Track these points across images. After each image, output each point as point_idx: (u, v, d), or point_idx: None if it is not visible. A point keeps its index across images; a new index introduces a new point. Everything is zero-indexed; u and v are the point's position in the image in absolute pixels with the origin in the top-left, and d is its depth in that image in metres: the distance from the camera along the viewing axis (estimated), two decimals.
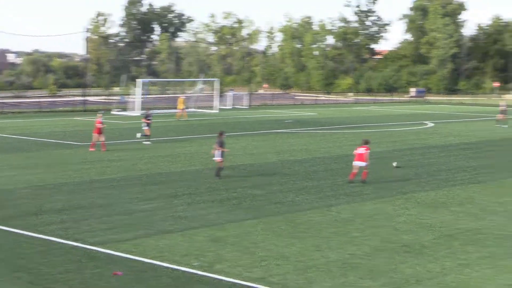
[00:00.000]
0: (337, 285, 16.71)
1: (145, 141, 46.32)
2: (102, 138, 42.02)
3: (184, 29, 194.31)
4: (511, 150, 44.74)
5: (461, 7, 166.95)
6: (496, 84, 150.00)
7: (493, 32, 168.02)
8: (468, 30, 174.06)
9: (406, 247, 20.19)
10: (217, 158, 31.95)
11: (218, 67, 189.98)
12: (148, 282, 16.76)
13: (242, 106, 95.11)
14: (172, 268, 17.90)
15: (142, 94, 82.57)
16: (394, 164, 37.33)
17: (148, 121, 46.83)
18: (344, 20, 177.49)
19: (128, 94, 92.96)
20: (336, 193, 28.86)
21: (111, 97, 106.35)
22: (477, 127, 64.02)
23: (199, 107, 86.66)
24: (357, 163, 31.05)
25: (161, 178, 32.29)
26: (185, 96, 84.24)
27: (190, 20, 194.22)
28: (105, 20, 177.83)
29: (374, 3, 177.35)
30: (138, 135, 47.65)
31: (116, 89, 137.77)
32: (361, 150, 31.04)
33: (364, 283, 16.83)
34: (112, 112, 76.77)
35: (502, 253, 19.69)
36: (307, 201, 27.03)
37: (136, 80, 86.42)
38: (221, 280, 17.02)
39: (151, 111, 50.02)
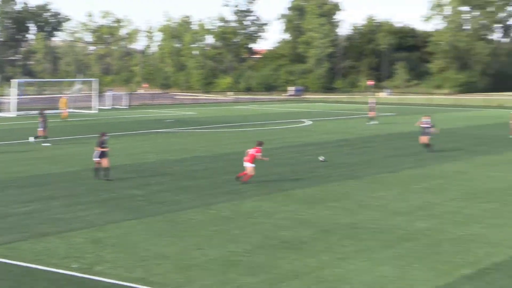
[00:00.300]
0: (218, 282, 16.80)
1: (43, 142, 45.27)
2: None
3: (61, 28, 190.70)
4: (384, 146, 45.95)
5: (336, 8, 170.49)
6: (371, 82, 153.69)
7: (367, 32, 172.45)
8: (344, 30, 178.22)
9: (285, 243, 20.46)
10: (96, 159, 31.43)
11: (96, 67, 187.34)
12: (26, 286, 16.39)
13: (122, 106, 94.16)
14: (50, 271, 17.56)
15: (18, 95, 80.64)
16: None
17: (43, 120, 45.95)
18: (223, 19, 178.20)
19: (3, 95, 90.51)
20: (216, 191, 28.96)
21: None
22: (352, 124, 65.48)
23: (77, 108, 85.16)
24: (245, 164, 31.01)
25: (39, 180, 31.59)
26: (67, 96, 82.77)
27: (67, 19, 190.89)
28: None
29: (252, 3, 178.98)
30: (31, 139, 46.43)
31: None
32: (252, 151, 31.01)
33: (244, 280, 16.99)
34: None
35: (377, 246, 20.22)
36: (187, 200, 27.01)
37: (11, 80, 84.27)
38: (101, 281, 16.83)
39: (45, 111, 48.85)
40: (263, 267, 18.09)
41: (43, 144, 44.93)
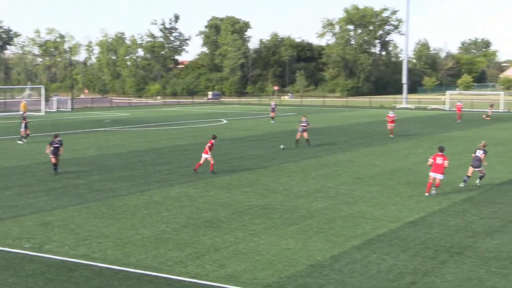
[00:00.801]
0: (151, 256, 16.60)
1: (19, 140, 44.83)
2: None
3: (12, 42, 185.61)
4: (287, 141, 46.24)
5: (246, 26, 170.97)
6: (276, 87, 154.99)
7: (272, 46, 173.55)
8: (253, 44, 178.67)
9: (207, 223, 20.38)
10: (51, 156, 30.28)
11: (43, 75, 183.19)
12: None
13: (66, 109, 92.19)
14: (5, 251, 17.05)
15: None
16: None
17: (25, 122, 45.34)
18: (152, 35, 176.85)
19: None
20: (148, 180, 28.63)
21: None
22: (261, 122, 65.72)
23: (27, 111, 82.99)
24: (204, 155, 30.60)
25: None
26: (26, 100, 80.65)
27: (17, 35, 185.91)
28: None
29: (176, 21, 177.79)
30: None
31: None
32: (209, 144, 30.53)
33: (173, 254, 16.84)
34: None
35: (283, 224, 20.33)
36: (123, 188, 26.62)
37: None
38: (51, 258, 16.43)
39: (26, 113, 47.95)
40: (188, 243, 17.96)
41: (18, 141, 44.56)
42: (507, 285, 14.47)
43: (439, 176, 24.86)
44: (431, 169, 25.08)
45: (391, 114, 49.18)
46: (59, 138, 30.62)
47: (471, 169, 26.54)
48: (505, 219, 20.90)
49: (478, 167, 26.28)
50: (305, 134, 42.52)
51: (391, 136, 46.63)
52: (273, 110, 67.50)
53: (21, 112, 68.03)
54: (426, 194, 25.02)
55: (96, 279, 14.80)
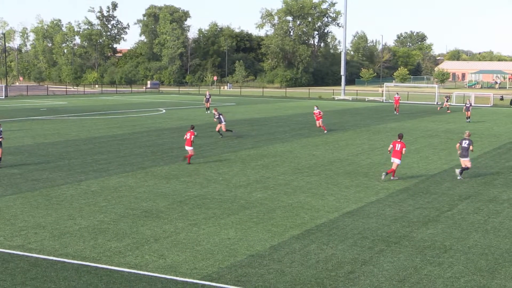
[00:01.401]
0: (89, 247, 16.35)
1: None
2: None
3: None
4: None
5: (186, 15, 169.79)
6: (215, 78, 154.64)
7: (211, 36, 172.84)
8: (192, 33, 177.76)
9: (146, 213, 20.20)
10: None
11: None
12: None
13: (0, 97, 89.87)
14: None
15: None
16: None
17: None
18: (89, 23, 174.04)
19: None
20: (86, 169, 28.19)
21: None
22: (200, 113, 65.41)
23: None
24: (186, 147, 30.32)
25: None
26: None
27: None
28: None
29: (114, 9, 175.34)
30: None
31: None
32: (188, 135, 30.18)
33: (111, 244, 16.62)
34: None
35: (222, 213, 20.31)
36: (60, 177, 26.13)
37: None
38: None
39: None
40: (127, 233, 17.77)
41: None
42: (441, 273, 14.82)
43: (396, 161, 26.46)
44: (391, 155, 26.77)
45: (316, 110, 46.99)
46: (0, 128, 29.36)
47: (461, 160, 27.08)
48: (439, 209, 21.38)
49: (466, 156, 26.86)
50: (223, 126, 42.17)
51: (325, 132, 45.88)
52: (207, 100, 67.10)
53: None
54: (392, 178, 26.79)
55: (32, 270, 14.49)
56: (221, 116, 42.10)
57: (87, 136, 41.18)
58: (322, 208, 21.24)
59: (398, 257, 15.99)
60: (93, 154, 33.11)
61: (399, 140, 26.74)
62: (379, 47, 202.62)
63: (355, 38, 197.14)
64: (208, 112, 63.96)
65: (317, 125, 46.54)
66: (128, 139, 40.11)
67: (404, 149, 26.48)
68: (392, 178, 26.86)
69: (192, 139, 30.36)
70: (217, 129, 42.22)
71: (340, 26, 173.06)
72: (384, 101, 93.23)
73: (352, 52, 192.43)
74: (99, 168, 28.69)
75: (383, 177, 26.46)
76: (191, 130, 30.75)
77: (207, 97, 67.57)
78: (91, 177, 26.30)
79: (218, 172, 28.08)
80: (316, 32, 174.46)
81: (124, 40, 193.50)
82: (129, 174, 27.30)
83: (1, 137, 29.05)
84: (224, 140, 40.28)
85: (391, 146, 26.87)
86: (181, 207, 21.07)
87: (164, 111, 66.96)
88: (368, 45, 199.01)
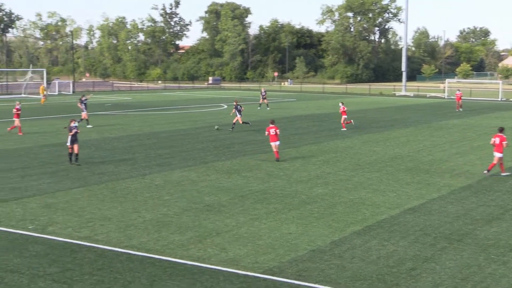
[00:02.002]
0: (152, 239, 16.60)
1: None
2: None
3: (14, 26, 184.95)
4: (287, 126, 46.09)
5: (247, 12, 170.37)
6: (276, 74, 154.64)
7: (272, 32, 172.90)
8: (253, 30, 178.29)
9: (208, 207, 20.36)
10: (68, 144, 28.00)
11: (45, 59, 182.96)
12: None
13: (67, 92, 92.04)
14: (9, 232, 17.04)
15: None
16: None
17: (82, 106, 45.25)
18: (153, 20, 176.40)
19: None
20: (149, 164, 28.60)
21: None
22: (261, 108, 65.52)
23: (29, 94, 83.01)
24: (272, 143, 30.22)
25: None
26: (45, 84, 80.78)
27: (18, 18, 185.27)
28: None
29: (177, 6, 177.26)
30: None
31: None
32: (272, 131, 29.96)
33: (174, 237, 16.83)
34: None
35: (283, 208, 20.31)
36: (125, 171, 26.58)
37: None
38: (54, 239, 16.42)
39: (84, 97, 46.88)
40: (190, 226, 17.95)
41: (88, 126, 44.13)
42: (506, 272, 14.48)
43: (497, 155, 26.25)
44: (494, 149, 26.56)
45: (341, 107, 44.96)
46: (75, 124, 28.39)
47: (496, 156, 26.56)
48: (503, 207, 20.89)
49: (501, 152, 26.38)
50: (240, 118, 42.98)
51: (343, 129, 43.80)
52: (263, 97, 65.75)
53: (40, 96, 68.07)
54: (503, 174, 26.51)
55: (99, 261, 14.80)
56: (239, 109, 43.04)
57: (150, 131, 41.78)
58: (383, 204, 21.02)
59: (461, 255, 15.69)
60: (157, 148, 33.57)
61: (499, 133, 26.50)
62: (441, 42, 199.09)
63: (417, 34, 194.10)
64: (260, 108, 63.62)
65: (342, 120, 44.96)
66: (190, 134, 40.52)
67: (504, 142, 26.15)
68: (502, 174, 26.42)
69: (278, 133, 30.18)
70: (234, 121, 43.16)
71: (401, 22, 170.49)
72: (446, 97, 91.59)
73: (413, 48, 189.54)
74: (162, 162, 29.07)
75: (486, 172, 26.50)
76: (273, 125, 30.35)
77: (262, 93, 66.59)
78: (154, 171, 26.67)
79: (279, 167, 28.09)
80: (377, 28, 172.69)
81: (186, 36, 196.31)
82: (192, 168, 27.57)
83: (76, 131, 28.14)
84: (285, 135, 40.27)
85: (493, 139, 26.57)
86: (242, 202, 21.16)
87: (225, 106, 67.37)
88: (430, 41, 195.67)
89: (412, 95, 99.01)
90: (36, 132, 40.06)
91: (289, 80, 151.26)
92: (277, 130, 30.03)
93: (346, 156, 31.92)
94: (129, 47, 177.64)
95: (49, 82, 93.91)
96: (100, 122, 47.59)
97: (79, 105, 46.40)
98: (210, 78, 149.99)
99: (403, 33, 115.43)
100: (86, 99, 46.08)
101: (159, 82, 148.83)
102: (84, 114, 45.00)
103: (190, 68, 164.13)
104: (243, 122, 43.13)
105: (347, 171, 27.49)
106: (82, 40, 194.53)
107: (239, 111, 43.06)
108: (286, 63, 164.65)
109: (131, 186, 23.44)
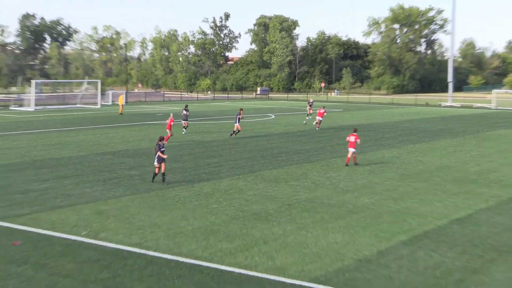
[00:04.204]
0: (201, 247, 16.52)
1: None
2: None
3: (71, 39, 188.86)
4: (334, 136, 45.82)
5: (294, 24, 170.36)
6: (323, 84, 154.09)
7: (319, 44, 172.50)
8: (300, 42, 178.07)
9: (256, 215, 20.22)
10: (156, 164, 25.74)
11: (100, 70, 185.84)
12: (43, 250, 16.03)
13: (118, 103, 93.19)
14: (63, 238, 17.19)
15: (36, 93, 79.70)
16: (304, 122, 39.80)
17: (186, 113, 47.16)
18: (203, 33, 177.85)
19: (24, 93, 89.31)
20: (198, 172, 28.62)
21: (9, 95, 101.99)
22: (305, 119, 65.09)
23: (85, 104, 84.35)
24: (350, 149, 31.02)
25: (53, 162, 31.03)
26: (123, 93, 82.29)
27: (76, 31, 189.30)
28: (2, 30, 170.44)
29: (226, 19, 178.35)
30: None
31: (13, 89, 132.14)
32: (351, 138, 30.84)
33: (222, 245, 16.73)
34: (11, 108, 73.50)
35: (330, 218, 20.05)
36: (174, 179, 26.64)
37: (31, 81, 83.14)
38: (106, 246, 16.49)
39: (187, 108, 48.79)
40: (237, 234, 17.83)
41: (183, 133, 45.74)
42: None
43: None
44: None
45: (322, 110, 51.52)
46: (164, 142, 26.20)
47: None
48: None
49: None
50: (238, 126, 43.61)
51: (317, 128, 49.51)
52: (310, 106, 62.56)
53: (120, 105, 69.08)
54: None
55: (148, 268, 14.78)
56: (238, 116, 43.45)
57: (200, 140, 41.89)
58: (430, 215, 20.56)
59: (511, 267, 15.18)
60: (205, 157, 33.61)
61: None
62: (488, 53, 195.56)
63: (463, 45, 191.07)
64: (308, 118, 60.81)
65: (316, 121, 50.74)
66: (238, 143, 40.49)
67: None
68: None
69: (358, 142, 30.94)
70: (234, 129, 43.55)
71: (447, 33, 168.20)
72: (493, 108, 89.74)
73: (460, 59, 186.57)
74: (211, 170, 29.07)
75: None
76: (355, 133, 31.10)
77: (310, 103, 63.73)
78: (203, 179, 26.67)
79: (325, 177, 27.82)
80: (423, 40, 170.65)
81: (235, 48, 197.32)
82: (240, 177, 27.49)
83: (162, 149, 25.60)
84: (331, 145, 39.92)
85: None
86: (289, 211, 20.96)
87: (273, 116, 67.28)
88: (477, 51, 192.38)
89: (458, 105, 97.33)
90: (90, 140, 40.56)
91: (335, 90, 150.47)
92: (358, 140, 30.82)
93: (392, 166, 31.44)
94: (180, 59, 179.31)
95: (103, 93, 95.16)
96: (151, 131, 47.95)
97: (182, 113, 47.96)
98: (258, 88, 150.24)
99: (450, 44, 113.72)
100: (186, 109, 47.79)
101: (209, 92, 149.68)
102: (184, 123, 46.88)
103: (239, 79, 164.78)
104: (232, 133, 43.68)
105: (393, 180, 27.05)
106: (135, 52, 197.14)
107: (239, 120, 43.38)
108: (333, 74, 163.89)
109: (180, 194, 23.46)
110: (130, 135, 45.05)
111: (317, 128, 51.12)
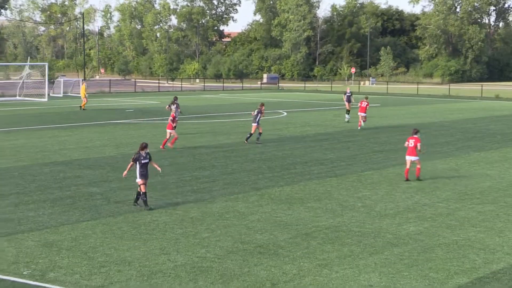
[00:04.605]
0: None
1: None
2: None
3: (7, 5, 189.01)
4: (369, 141, 45.98)
5: None
6: (353, 70, 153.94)
7: (348, 14, 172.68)
8: (323, 11, 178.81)
9: (260, 248, 20.36)
10: (139, 180, 25.62)
11: (47, 50, 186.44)
12: None
13: (76, 94, 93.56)
14: None
15: None
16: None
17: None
18: None
19: None
20: (183, 190, 28.79)
21: None
22: (333, 116, 65.39)
23: (26, 95, 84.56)
24: (407, 157, 31.51)
25: None
26: (83, 80, 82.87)
27: None
28: None
29: None
30: None
31: None
32: (411, 142, 31.28)
33: None
34: None
35: (362, 251, 20.18)
36: (150, 199, 26.71)
37: None
38: None
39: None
40: (236, 274, 17.98)
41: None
42: None
43: None
44: None
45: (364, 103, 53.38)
46: (147, 150, 26.22)
47: None
48: None
49: None
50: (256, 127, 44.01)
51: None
52: (348, 99, 61.09)
53: (83, 98, 69.64)
54: None
55: None
56: (259, 114, 43.91)
57: (186, 146, 42.08)
58: (500, 249, 20.71)
59: None
60: (193, 169, 33.78)
61: None
62: None
63: None
64: (348, 117, 59.55)
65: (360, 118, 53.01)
66: (237, 150, 40.68)
67: None
68: None
69: (418, 148, 31.17)
70: (260, 131, 44.07)
71: None
72: None
73: None
74: (200, 188, 29.23)
75: None
76: (416, 136, 31.39)
77: (347, 94, 61.79)
78: (189, 200, 26.82)
79: (356, 196, 27.96)
80: (492, 8, 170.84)
81: (233, 20, 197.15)
82: (239, 196, 27.64)
83: (148, 161, 25.94)
84: (364, 152, 40.09)
85: None
86: (307, 242, 21.11)
87: (285, 114, 67.49)
88: None
89: None
90: (34, 145, 40.80)
91: (371, 78, 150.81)
92: (418, 144, 31.10)
93: (449, 181, 31.59)
94: (158, 35, 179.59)
95: (52, 80, 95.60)
96: (118, 133, 48.21)
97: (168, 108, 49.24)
98: (265, 75, 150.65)
99: None
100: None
101: (197, 80, 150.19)
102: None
103: (238, 63, 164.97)
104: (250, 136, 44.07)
105: (449, 202, 27.20)
106: (96, 25, 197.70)
107: (258, 118, 43.37)
108: (367, 55, 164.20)
109: (158, 219, 23.62)
110: (89, 138, 45.27)
111: (358, 128, 53.08)
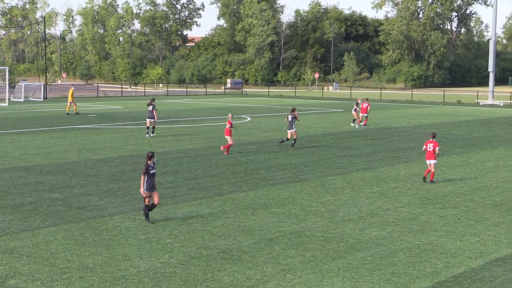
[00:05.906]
0: None
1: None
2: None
3: None
4: (333, 146, 46.15)
5: None
6: (317, 75, 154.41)
7: (312, 19, 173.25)
8: (286, 16, 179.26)
9: (224, 253, 20.38)
10: (145, 192, 24.96)
11: (7, 53, 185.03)
12: None
13: (37, 98, 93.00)
14: None
15: None
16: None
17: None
18: (152, 3, 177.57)
19: None
20: None
21: None
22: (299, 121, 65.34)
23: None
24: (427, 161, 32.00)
25: None
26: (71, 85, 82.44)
27: None
28: None
29: None
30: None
31: None
32: (429, 146, 32.02)
33: None
34: None
35: (325, 256, 20.25)
36: (113, 205, 26.72)
37: None
38: None
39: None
40: (199, 280, 17.98)
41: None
42: None
43: None
44: None
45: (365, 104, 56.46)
46: (154, 160, 25.43)
47: None
48: None
49: None
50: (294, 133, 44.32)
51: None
52: (356, 108, 61.04)
53: (69, 102, 69.22)
54: None
55: None
56: (293, 119, 44.10)
57: (147, 150, 41.86)
58: (462, 253, 20.89)
59: None
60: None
61: None
62: None
63: (509, 21, 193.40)
64: (358, 125, 59.07)
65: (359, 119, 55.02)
66: (201, 155, 40.67)
67: None
68: None
69: (437, 151, 32.11)
70: (295, 136, 44.15)
71: (487, 5, 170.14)
72: None
73: (504, 41, 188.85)
74: (164, 193, 29.16)
75: None
76: (433, 140, 32.35)
77: (358, 103, 61.54)
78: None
79: (320, 201, 28.06)
80: (454, 14, 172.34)
81: (197, 25, 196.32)
82: (203, 201, 27.64)
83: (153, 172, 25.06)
84: (328, 157, 40.26)
85: None
86: (270, 247, 21.15)
87: (249, 119, 67.54)
88: None
89: (502, 104, 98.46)
90: None
91: (334, 83, 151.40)
92: (437, 148, 32.09)
93: (411, 186, 31.81)
94: (121, 39, 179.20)
95: (12, 85, 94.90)
96: (80, 138, 47.98)
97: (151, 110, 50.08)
98: (229, 80, 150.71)
99: (491, 20, 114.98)
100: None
101: (160, 85, 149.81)
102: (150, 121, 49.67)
103: (201, 67, 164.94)
104: (283, 141, 44.51)
105: (412, 206, 27.39)
106: (58, 29, 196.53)
107: (293, 123, 43.59)
108: (331, 61, 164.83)
109: (121, 225, 23.56)
110: (51, 143, 45.03)
111: (363, 126, 57.12)
